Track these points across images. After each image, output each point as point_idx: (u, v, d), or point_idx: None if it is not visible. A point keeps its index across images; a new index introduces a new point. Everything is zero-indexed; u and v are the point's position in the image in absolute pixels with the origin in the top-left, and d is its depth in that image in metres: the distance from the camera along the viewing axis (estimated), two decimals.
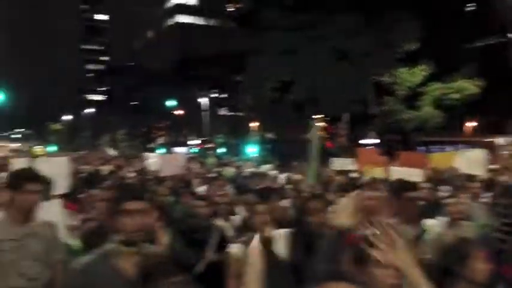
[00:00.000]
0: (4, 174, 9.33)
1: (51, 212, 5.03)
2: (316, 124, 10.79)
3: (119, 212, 2.54)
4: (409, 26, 25.22)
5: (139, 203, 2.57)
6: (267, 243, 3.86)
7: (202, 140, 51.79)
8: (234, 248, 3.98)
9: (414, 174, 6.07)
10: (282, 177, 11.62)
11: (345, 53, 25.43)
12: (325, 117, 35.86)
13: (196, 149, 50.46)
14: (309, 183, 8.29)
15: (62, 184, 5.67)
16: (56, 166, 5.73)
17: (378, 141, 34.63)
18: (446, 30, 28.28)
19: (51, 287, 3.53)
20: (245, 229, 4.38)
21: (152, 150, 52.24)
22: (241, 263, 3.81)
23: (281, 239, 3.94)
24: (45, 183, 4.11)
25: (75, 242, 4.51)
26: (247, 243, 3.91)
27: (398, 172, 6.40)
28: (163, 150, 48.03)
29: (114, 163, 17.27)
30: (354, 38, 25.07)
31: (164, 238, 4.15)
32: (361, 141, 30.92)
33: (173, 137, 58.15)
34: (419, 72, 27.88)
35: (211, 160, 20.45)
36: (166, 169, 10.08)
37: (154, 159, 12.00)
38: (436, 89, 27.90)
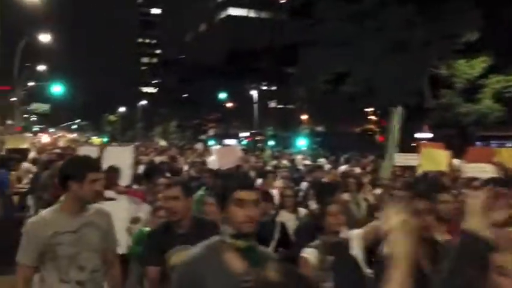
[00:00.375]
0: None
1: (119, 205, 5.18)
2: (398, 111, 10.06)
3: (229, 202, 2.33)
4: (468, 15, 24.16)
5: (251, 193, 2.35)
6: (342, 247, 3.50)
7: (252, 133, 51.99)
8: (308, 253, 3.53)
9: (487, 170, 5.80)
10: (340, 170, 11.40)
11: (401, 44, 24.67)
12: (377, 110, 35.17)
13: (245, 142, 50.78)
14: (384, 177, 7.88)
15: (126, 174, 5.74)
16: (121, 156, 5.76)
17: (431, 135, 33.58)
18: (507, 20, 26.95)
19: (110, 277, 3.45)
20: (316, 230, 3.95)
21: (203, 142, 53.17)
22: (315, 269, 3.39)
23: (356, 241, 3.52)
24: (106, 172, 4.14)
25: (141, 233, 4.47)
26: (321, 247, 3.51)
27: (471, 168, 6.15)
28: (213, 143, 48.72)
29: (168, 154, 17.50)
30: (410, 28, 24.32)
31: None
32: (416, 135, 30.08)
33: (223, 129, 58.65)
34: (479, 64, 26.74)
35: (267, 153, 20.18)
36: (223, 161, 10.01)
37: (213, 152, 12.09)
38: (497, 81, 26.68)
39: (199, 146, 25.71)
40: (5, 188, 8.52)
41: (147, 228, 4.45)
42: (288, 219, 5.60)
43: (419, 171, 8.50)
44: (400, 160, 10.20)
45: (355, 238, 3.53)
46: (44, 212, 3.22)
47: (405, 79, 24.53)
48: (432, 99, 26.82)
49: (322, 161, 15.27)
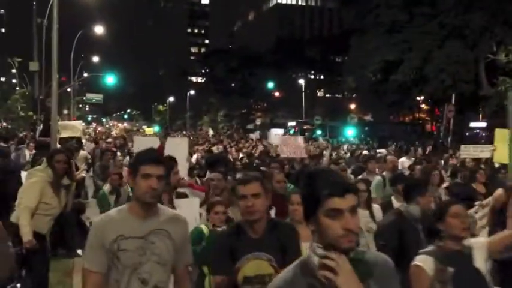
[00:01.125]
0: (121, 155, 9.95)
1: (193, 203, 4.95)
2: None
3: (319, 212, 1.81)
4: None
5: (349, 199, 1.80)
6: (464, 257, 2.99)
7: (299, 122, 51.70)
8: (422, 261, 3.01)
9: None
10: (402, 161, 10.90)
11: (457, 30, 23.79)
12: (430, 99, 34.14)
13: (293, 131, 50.60)
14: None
15: (183, 166, 5.68)
16: (177, 147, 5.62)
17: (484, 124, 32.29)
18: None
19: None
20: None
21: (251, 131, 53.40)
22: (431, 281, 2.92)
23: (479, 250, 3.01)
24: (168, 166, 3.79)
25: (197, 232, 4.22)
26: (439, 255, 2.98)
27: None
28: (258, 133, 48.79)
29: (222, 144, 17.58)
30: (467, 14, 23.37)
31: None
32: (471, 125, 29.08)
33: (270, 118, 58.65)
34: None
35: (324, 143, 19.57)
36: (286, 150, 9.75)
37: (274, 141, 12.19)
38: None
39: (255, 135, 25.35)
40: None
41: (203, 226, 4.29)
42: (360, 216, 5.23)
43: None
44: (469, 152, 9.67)
45: (479, 247, 3.03)
46: (111, 212, 2.83)
47: (459, 66, 23.67)
48: (489, 87, 25.72)
49: (383, 151, 14.65)
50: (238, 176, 3.65)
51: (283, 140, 10.89)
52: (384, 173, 7.75)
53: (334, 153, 14.59)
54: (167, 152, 5.86)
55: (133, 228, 2.66)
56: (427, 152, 15.85)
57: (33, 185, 5.06)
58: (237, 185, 3.03)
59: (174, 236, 2.75)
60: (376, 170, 8.36)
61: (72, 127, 16.71)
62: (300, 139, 11.48)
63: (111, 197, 7.27)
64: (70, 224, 8.40)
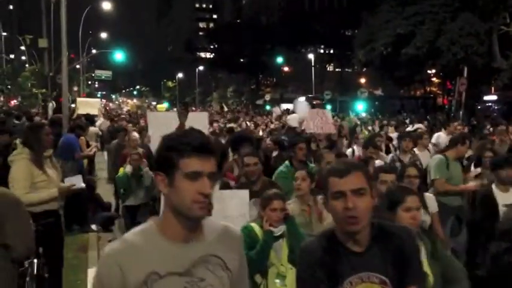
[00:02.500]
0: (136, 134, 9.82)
1: (237, 199, 4.01)
2: None
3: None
4: None
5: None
6: None
7: (308, 97, 51.47)
8: None
9: None
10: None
11: (470, 1, 23.29)
12: (441, 72, 33.68)
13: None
14: None
15: None
16: (197, 124, 4.93)
17: (495, 97, 31.87)
18: None
19: None
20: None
21: (260, 107, 53.25)
22: None
23: None
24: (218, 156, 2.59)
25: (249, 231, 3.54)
26: None
27: None
28: (268, 108, 48.60)
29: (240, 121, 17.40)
30: None
31: None
32: (483, 98, 28.72)
33: (279, 94, 58.39)
34: None
35: (351, 119, 17.52)
36: (313, 125, 9.14)
37: (295, 115, 10.56)
38: None
39: (276, 110, 24.52)
40: (76, 152, 8.85)
41: (254, 224, 3.62)
42: None
43: None
44: None
45: None
46: (132, 235, 1.79)
47: (472, 39, 23.25)
48: (502, 59, 25.30)
49: (420, 126, 13.10)
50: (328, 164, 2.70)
51: (311, 114, 9.81)
52: (417, 151, 7.31)
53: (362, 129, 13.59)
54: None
55: (172, 259, 1.75)
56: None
57: (17, 169, 4.74)
58: (327, 176, 2.03)
59: (230, 263, 1.86)
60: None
61: (90, 104, 16.96)
62: (328, 113, 10.10)
63: (132, 179, 6.93)
64: (83, 200, 8.51)
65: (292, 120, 14.04)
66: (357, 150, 8.11)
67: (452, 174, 5.87)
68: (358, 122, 15.88)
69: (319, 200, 4.18)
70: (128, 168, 6.95)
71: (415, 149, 7.46)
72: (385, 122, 16.48)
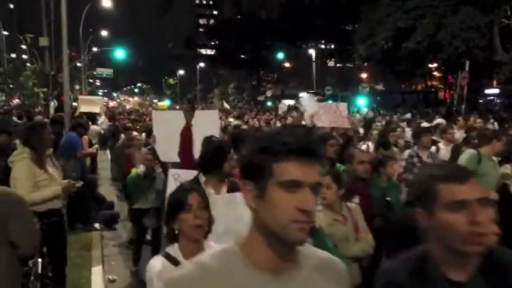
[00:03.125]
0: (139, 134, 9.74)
1: None
2: None
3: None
4: None
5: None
6: None
7: (309, 92, 51.39)
8: None
9: None
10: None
11: None
12: (442, 66, 33.61)
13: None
14: None
15: None
16: (207, 122, 4.49)
17: (498, 91, 31.83)
18: None
19: None
20: None
21: (261, 103, 53.22)
22: None
23: None
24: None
25: None
26: None
27: None
28: (270, 104, 48.55)
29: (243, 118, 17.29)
30: None
31: None
32: (485, 91, 28.67)
33: (281, 90, 58.35)
34: None
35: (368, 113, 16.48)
36: (325, 120, 8.52)
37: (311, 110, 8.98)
38: None
39: (283, 106, 24.06)
40: (78, 151, 8.84)
41: None
42: None
43: None
44: None
45: None
46: (209, 258, 1.38)
47: (473, 32, 23.17)
48: (503, 52, 25.23)
49: (441, 121, 12.14)
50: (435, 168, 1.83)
51: (324, 108, 9.04)
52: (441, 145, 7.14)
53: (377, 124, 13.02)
54: (197, 129, 5.01)
55: None
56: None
57: (20, 169, 4.72)
58: (434, 182, 1.58)
59: None
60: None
61: (92, 102, 16.91)
62: (343, 106, 9.06)
63: (145, 181, 6.32)
64: (85, 199, 8.53)
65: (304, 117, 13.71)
66: (371, 146, 7.81)
67: (483, 170, 5.53)
68: (374, 117, 14.92)
69: (353, 207, 3.95)
70: (141, 168, 6.27)
71: (440, 144, 7.23)
72: (394, 117, 16.13)
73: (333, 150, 5.52)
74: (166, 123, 5.80)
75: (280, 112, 21.38)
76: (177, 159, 5.15)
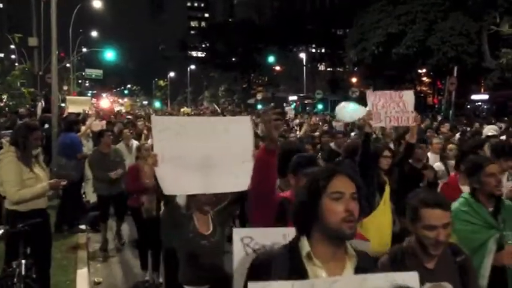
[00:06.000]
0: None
1: None
2: None
3: None
4: None
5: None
6: None
7: (300, 96, 51.42)
8: None
9: None
10: None
11: (460, 1, 23.45)
12: (431, 71, 33.88)
13: (294, 105, 50.34)
14: None
15: (248, 156, 3.21)
16: (240, 130, 3.30)
17: (486, 97, 32.10)
18: None
19: None
20: None
21: (252, 106, 53.17)
22: None
23: None
24: None
25: None
26: None
27: None
28: (260, 107, 48.50)
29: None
30: None
31: None
32: (473, 97, 28.90)
33: (271, 93, 58.37)
34: None
35: None
36: (387, 117, 7.20)
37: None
38: None
39: (289, 110, 23.70)
40: (78, 151, 8.73)
41: None
42: None
43: None
44: None
45: None
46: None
47: (462, 38, 23.42)
48: (491, 59, 25.51)
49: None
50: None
51: (385, 98, 7.20)
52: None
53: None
54: (228, 142, 3.27)
55: None
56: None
57: (7, 167, 4.71)
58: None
59: None
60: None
61: (80, 103, 16.73)
62: (408, 96, 6.21)
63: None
64: (72, 201, 8.46)
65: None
66: (432, 157, 7.39)
67: None
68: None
69: None
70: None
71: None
72: None
73: (386, 162, 4.96)
74: (180, 136, 3.34)
75: (288, 117, 20.29)
76: (192, 191, 3.46)
